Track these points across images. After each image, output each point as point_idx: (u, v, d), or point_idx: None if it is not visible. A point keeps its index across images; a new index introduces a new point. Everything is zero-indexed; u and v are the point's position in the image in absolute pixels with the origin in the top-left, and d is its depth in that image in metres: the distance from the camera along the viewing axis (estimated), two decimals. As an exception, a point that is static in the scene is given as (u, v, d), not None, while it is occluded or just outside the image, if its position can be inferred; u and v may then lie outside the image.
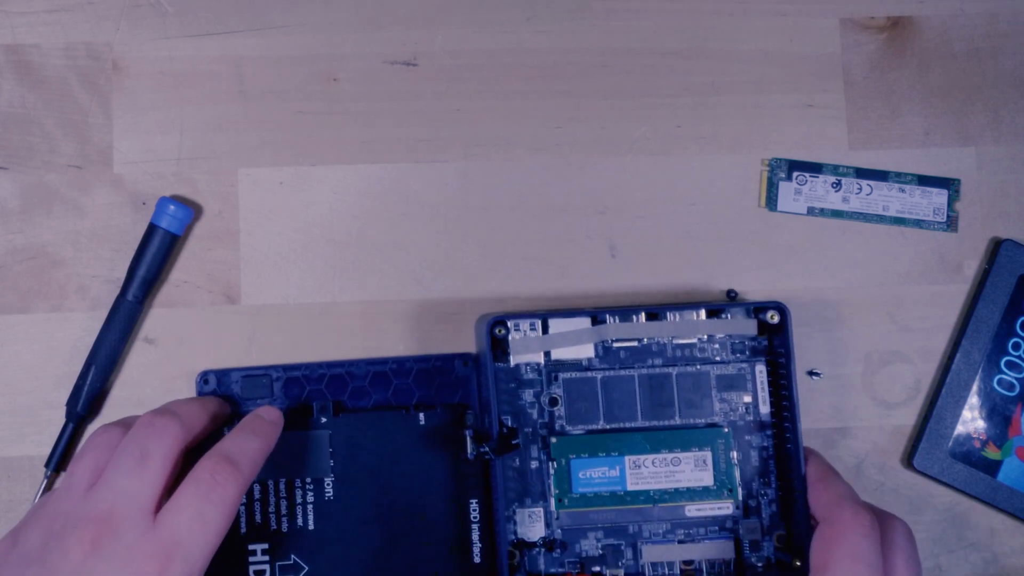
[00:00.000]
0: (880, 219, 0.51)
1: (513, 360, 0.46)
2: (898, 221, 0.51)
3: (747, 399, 0.47)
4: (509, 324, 0.45)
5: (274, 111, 0.50)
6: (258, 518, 0.46)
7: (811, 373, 0.50)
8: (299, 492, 0.46)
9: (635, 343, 0.47)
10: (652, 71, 0.51)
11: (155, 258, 0.48)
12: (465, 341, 0.49)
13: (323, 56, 0.50)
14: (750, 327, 0.46)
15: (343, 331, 0.49)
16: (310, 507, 0.46)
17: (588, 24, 0.51)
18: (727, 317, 0.46)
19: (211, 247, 0.49)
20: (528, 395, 0.46)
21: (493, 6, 0.51)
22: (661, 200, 0.51)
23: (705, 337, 0.47)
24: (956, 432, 0.49)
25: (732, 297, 0.50)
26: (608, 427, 0.46)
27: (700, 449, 0.46)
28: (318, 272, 0.50)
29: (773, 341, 0.47)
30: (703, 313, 0.46)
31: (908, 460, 0.50)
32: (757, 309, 0.46)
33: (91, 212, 0.49)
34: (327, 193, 0.50)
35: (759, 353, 0.47)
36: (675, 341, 0.47)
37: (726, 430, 0.46)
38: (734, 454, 0.46)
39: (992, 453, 0.49)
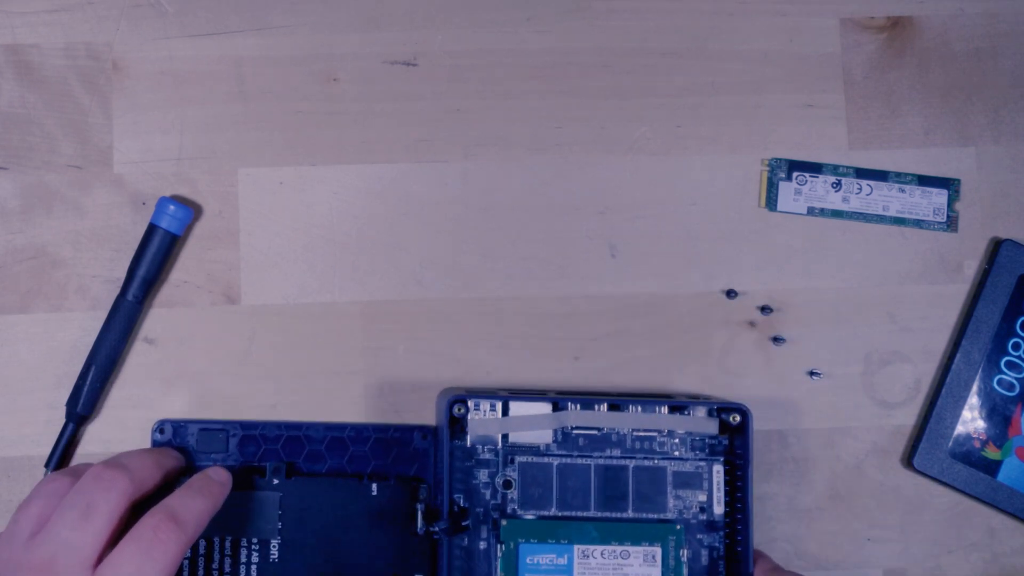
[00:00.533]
0: (880, 219, 0.51)
1: (470, 439, 0.46)
2: (898, 221, 0.51)
3: (702, 498, 0.46)
4: (469, 403, 0.45)
5: (274, 111, 0.50)
6: (200, 574, 0.45)
7: (811, 373, 0.50)
8: (244, 552, 0.45)
9: (595, 431, 0.46)
10: (652, 71, 0.51)
11: (155, 258, 0.48)
12: (464, 342, 0.49)
13: (323, 56, 0.50)
14: (711, 426, 0.46)
15: (343, 331, 0.49)
16: (254, 567, 0.45)
17: (588, 24, 0.51)
18: (689, 414, 0.46)
19: (211, 247, 0.49)
20: (483, 475, 0.46)
21: (493, 6, 0.51)
22: (661, 200, 0.51)
23: (666, 431, 0.47)
24: (956, 432, 0.49)
25: (732, 296, 0.50)
26: (560, 514, 0.46)
27: (650, 544, 0.46)
28: (318, 272, 0.50)
29: (734, 442, 0.47)
30: (665, 408, 0.46)
31: (908, 460, 0.50)
32: (720, 409, 0.46)
33: (91, 212, 0.49)
34: (327, 193, 0.50)
35: (718, 453, 0.47)
36: (635, 433, 0.47)
37: (678, 527, 0.46)
38: (684, 552, 0.46)
39: (992, 453, 0.49)
